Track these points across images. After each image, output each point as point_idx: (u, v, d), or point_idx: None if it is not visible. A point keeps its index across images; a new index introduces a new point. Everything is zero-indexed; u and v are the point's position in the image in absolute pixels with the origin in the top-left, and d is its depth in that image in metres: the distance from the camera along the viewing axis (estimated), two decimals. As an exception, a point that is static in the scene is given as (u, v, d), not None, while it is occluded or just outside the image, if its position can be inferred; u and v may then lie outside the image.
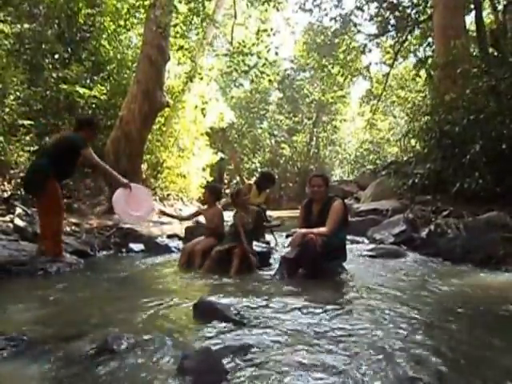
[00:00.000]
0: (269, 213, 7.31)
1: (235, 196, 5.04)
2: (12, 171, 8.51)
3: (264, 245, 5.52)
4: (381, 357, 2.08)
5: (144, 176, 12.02)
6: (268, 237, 6.63)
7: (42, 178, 4.61)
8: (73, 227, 6.56)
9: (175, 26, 11.40)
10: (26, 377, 1.97)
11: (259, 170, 26.93)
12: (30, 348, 2.26)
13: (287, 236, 7.19)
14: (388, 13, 17.32)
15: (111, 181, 5.54)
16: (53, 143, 5.02)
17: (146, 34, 10.67)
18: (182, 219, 5.43)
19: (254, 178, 7.16)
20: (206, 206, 5.33)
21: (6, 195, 7.75)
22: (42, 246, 4.75)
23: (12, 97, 8.90)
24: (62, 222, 5.04)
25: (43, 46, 10.77)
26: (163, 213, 5.40)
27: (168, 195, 13.80)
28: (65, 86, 10.22)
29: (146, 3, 10.38)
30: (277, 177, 15.90)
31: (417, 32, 17.53)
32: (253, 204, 5.55)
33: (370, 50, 19.30)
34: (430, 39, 16.26)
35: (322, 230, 4.07)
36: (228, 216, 5.58)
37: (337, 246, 4.24)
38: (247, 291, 3.57)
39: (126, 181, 5.12)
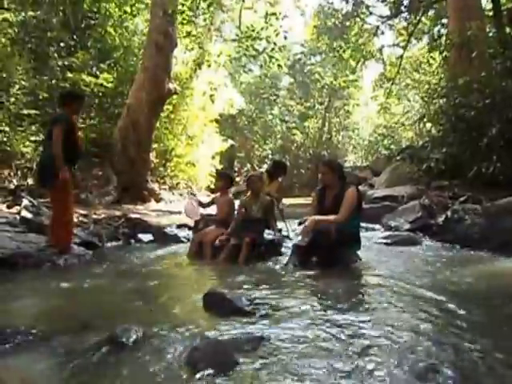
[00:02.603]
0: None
1: (255, 180, 4.98)
2: (18, 162, 8.49)
3: (277, 233, 5.38)
4: (396, 346, 2.06)
5: (152, 165, 11.95)
6: (280, 224, 6.50)
7: (50, 170, 4.52)
8: (80, 218, 6.48)
9: (182, 12, 11.23)
10: (33, 370, 1.93)
11: (270, 156, 26.72)
12: (38, 341, 2.24)
13: (299, 223, 7.05)
14: (401, -7, 16.92)
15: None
16: (47, 131, 4.87)
17: (152, 20, 10.61)
18: (205, 206, 5.39)
19: (266, 166, 7.00)
20: (218, 194, 5.25)
21: (12, 186, 7.73)
22: (51, 237, 4.68)
23: (17, 86, 8.87)
24: (72, 214, 4.96)
25: (48, 34, 10.68)
26: (193, 194, 5.33)
27: (177, 184, 13.77)
28: (71, 75, 10.15)
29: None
30: (289, 163, 15.72)
31: (431, 13, 17.10)
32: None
33: (382, 33, 19.00)
34: (444, 20, 15.82)
35: (335, 217, 3.95)
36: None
37: (351, 233, 4.12)
38: (258, 281, 3.52)
39: (64, 170, 4.52)
